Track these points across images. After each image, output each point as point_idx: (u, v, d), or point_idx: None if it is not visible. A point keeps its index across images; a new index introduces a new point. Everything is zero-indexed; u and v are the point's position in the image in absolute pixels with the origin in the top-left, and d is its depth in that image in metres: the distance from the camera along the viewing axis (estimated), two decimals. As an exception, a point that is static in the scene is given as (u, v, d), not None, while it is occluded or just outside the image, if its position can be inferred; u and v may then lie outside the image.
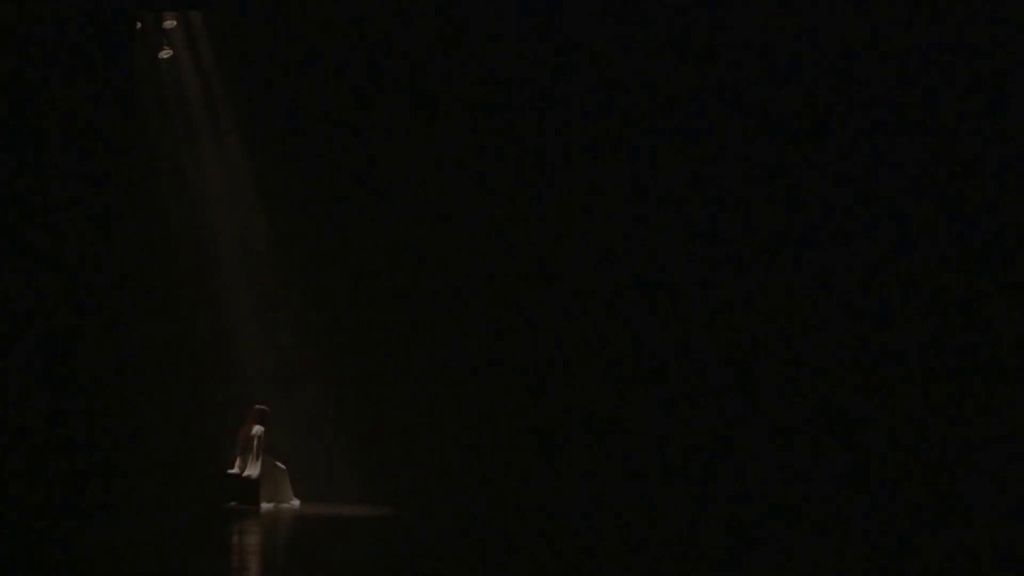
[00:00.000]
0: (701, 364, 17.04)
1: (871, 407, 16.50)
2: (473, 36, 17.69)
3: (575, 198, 17.53)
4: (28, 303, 16.98)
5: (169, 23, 18.01)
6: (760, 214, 17.05)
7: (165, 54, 18.02)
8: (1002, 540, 14.46)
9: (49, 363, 17.11)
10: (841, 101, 16.82)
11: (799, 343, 16.85)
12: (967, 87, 16.49)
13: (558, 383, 17.44)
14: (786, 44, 16.90)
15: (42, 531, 14.63)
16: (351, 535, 15.42)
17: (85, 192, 17.25)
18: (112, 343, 17.52)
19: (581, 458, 17.17)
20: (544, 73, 17.57)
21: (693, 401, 16.98)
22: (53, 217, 17.18)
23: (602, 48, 17.39)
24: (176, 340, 18.11)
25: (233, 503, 17.48)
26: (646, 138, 17.33)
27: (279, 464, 17.91)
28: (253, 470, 17.54)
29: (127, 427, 17.38)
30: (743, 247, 17.09)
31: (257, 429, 17.53)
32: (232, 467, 17.60)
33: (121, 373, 17.53)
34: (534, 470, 17.27)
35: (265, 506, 17.60)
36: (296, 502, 17.95)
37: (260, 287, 18.45)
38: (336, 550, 14.02)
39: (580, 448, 17.23)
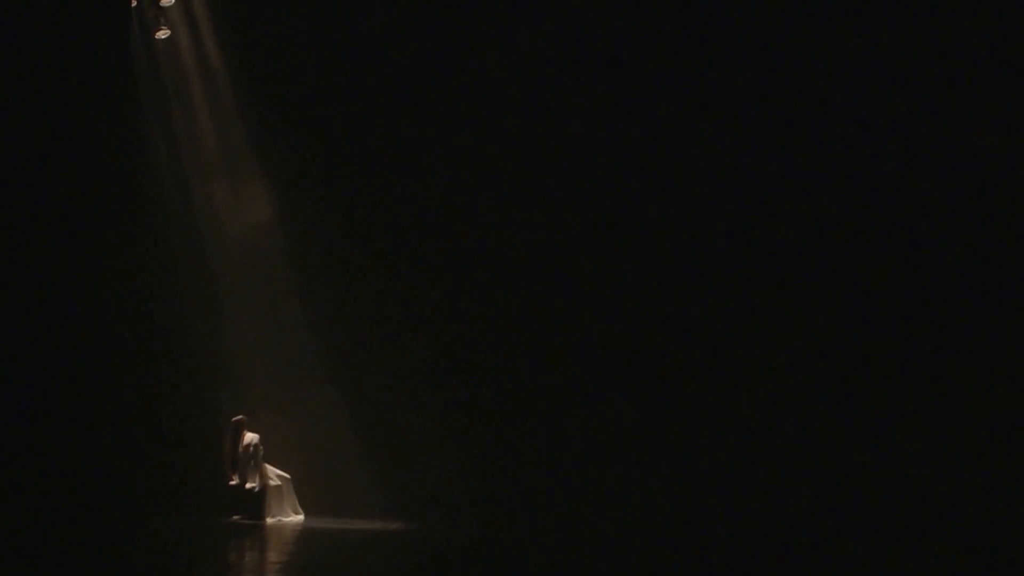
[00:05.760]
0: (713, 374, 16.87)
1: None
2: (478, 20, 17.42)
3: (594, 205, 17.32)
4: (24, 296, 17.14)
5: (166, 1, 17.54)
6: (760, 215, 16.88)
7: (162, 34, 17.60)
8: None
9: (46, 366, 17.26)
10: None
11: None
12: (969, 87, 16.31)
13: (574, 392, 17.20)
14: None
15: (41, 537, 14.57)
16: (357, 549, 14.89)
17: (81, 177, 17.23)
18: (109, 344, 17.48)
19: (597, 470, 16.92)
20: (553, 69, 17.34)
21: (707, 413, 16.79)
22: (48, 201, 17.24)
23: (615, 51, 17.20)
24: (176, 340, 17.79)
25: (236, 516, 17.06)
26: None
27: (283, 475, 17.44)
28: (254, 482, 17.07)
29: (128, 432, 17.39)
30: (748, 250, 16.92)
31: (251, 438, 17.16)
32: (231, 480, 17.18)
33: (121, 377, 17.53)
34: (549, 481, 17.02)
35: (269, 520, 17.10)
36: (300, 515, 17.44)
37: (263, 281, 17.94)
38: (342, 565, 13.61)
39: (597, 460, 16.97)
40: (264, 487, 17.04)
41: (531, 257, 17.34)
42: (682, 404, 16.80)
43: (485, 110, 17.30)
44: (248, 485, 16.97)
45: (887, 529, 15.48)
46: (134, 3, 17.28)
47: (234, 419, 17.12)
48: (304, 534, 16.23)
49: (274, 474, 17.24)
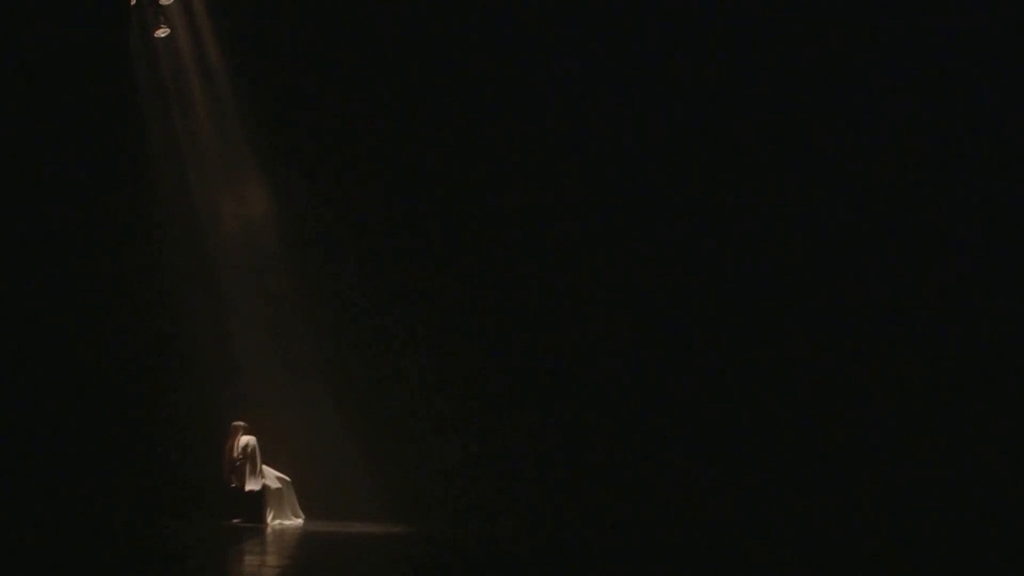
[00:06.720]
0: (711, 379, 16.89)
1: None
2: (480, 20, 17.40)
3: (592, 205, 17.32)
4: (22, 297, 17.16)
5: (165, -1, 17.62)
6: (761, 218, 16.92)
7: (161, 32, 17.53)
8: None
9: (43, 367, 17.27)
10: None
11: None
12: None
13: (574, 394, 17.19)
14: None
15: (39, 539, 14.47)
16: (358, 552, 14.70)
17: (79, 177, 17.21)
18: (107, 344, 17.42)
19: (597, 471, 16.92)
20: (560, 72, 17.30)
21: (705, 413, 16.81)
22: (46, 200, 17.23)
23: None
24: (175, 340, 17.75)
25: (236, 519, 16.90)
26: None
27: (283, 477, 17.33)
28: (254, 484, 16.93)
29: (126, 434, 17.34)
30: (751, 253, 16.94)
31: (248, 440, 17.05)
32: (231, 483, 17.05)
33: (118, 378, 17.47)
34: (550, 483, 17.02)
35: (269, 522, 16.98)
36: (301, 518, 17.34)
37: (263, 281, 17.92)
38: (342, 568, 13.40)
39: (596, 461, 16.97)
40: (264, 490, 16.92)
41: (531, 257, 17.28)
42: (681, 404, 16.75)
43: (487, 109, 17.24)
44: (248, 488, 16.83)
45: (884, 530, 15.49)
46: (133, 2, 17.20)
47: (234, 423, 17.01)
48: (304, 537, 16.09)
49: (274, 477, 17.12)
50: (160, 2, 17.25)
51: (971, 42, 16.23)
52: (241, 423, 17.04)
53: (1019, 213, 16.19)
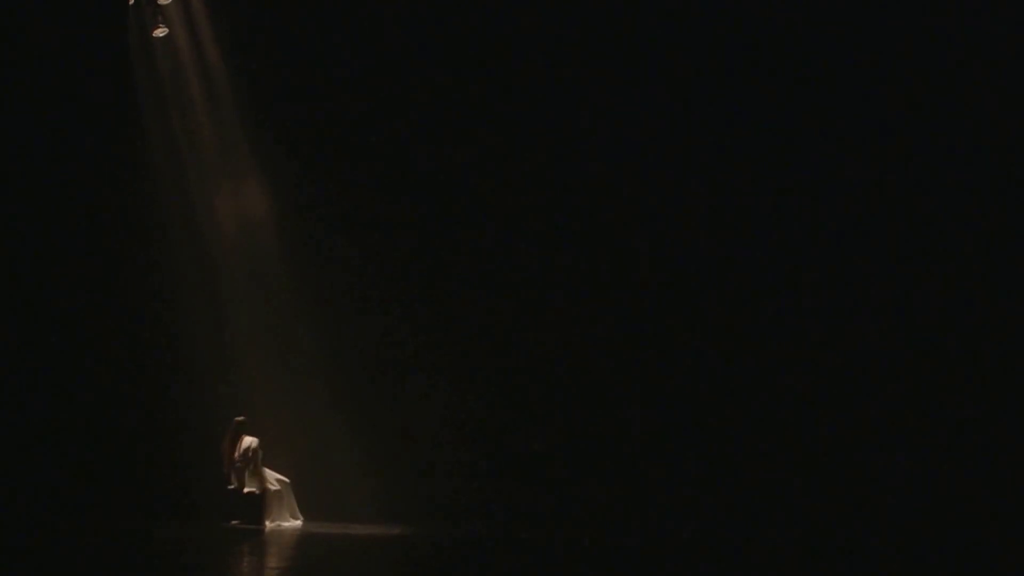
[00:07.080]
0: (706, 383, 16.89)
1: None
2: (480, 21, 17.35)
3: (588, 205, 17.32)
4: (21, 297, 17.13)
5: (164, -1, 17.55)
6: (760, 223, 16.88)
7: (160, 32, 17.44)
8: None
9: (41, 368, 17.22)
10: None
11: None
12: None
13: (573, 395, 17.21)
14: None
15: (37, 542, 14.50)
16: (357, 554, 14.69)
17: (78, 177, 17.19)
18: (104, 345, 17.37)
19: (596, 473, 16.89)
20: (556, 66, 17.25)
21: (705, 415, 16.83)
22: (45, 200, 17.22)
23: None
24: (173, 341, 17.65)
25: (235, 521, 16.79)
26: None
27: (282, 479, 17.22)
28: (253, 486, 16.81)
29: (125, 436, 17.27)
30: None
31: (250, 441, 16.91)
32: (230, 483, 16.92)
33: (117, 379, 17.40)
34: (549, 485, 16.96)
35: (268, 524, 16.85)
36: (299, 520, 17.24)
37: (262, 282, 17.82)
38: (341, 570, 13.44)
39: (595, 462, 16.95)
40: (263, 491, 16.80)
41: (533, 256, 17.21)
42: (682, 405, 16.72)
43: (487, 108, 17.18)
44: (247, 489, 16.73)
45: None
46: (132, 1, 17.14)
47: (236, 419, 16.89)
48: (303, 539, 16.04)
49: (273, 478, 17.00)
50: (159, 2, 17.19)
51: (971, 42, 16.19)
52: (242, 418, 16.95)
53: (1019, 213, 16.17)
